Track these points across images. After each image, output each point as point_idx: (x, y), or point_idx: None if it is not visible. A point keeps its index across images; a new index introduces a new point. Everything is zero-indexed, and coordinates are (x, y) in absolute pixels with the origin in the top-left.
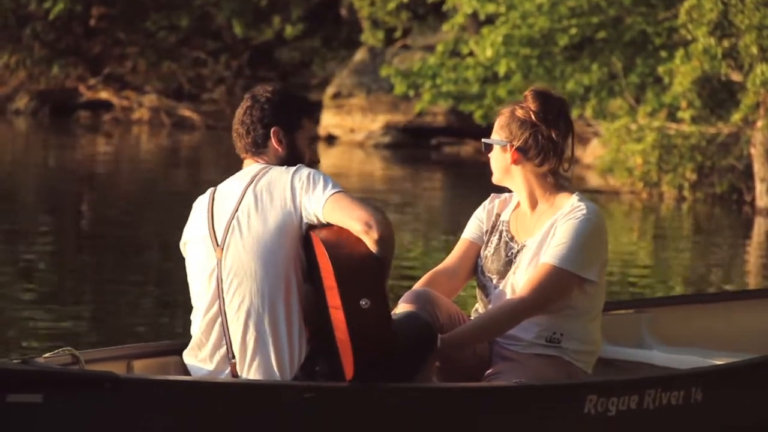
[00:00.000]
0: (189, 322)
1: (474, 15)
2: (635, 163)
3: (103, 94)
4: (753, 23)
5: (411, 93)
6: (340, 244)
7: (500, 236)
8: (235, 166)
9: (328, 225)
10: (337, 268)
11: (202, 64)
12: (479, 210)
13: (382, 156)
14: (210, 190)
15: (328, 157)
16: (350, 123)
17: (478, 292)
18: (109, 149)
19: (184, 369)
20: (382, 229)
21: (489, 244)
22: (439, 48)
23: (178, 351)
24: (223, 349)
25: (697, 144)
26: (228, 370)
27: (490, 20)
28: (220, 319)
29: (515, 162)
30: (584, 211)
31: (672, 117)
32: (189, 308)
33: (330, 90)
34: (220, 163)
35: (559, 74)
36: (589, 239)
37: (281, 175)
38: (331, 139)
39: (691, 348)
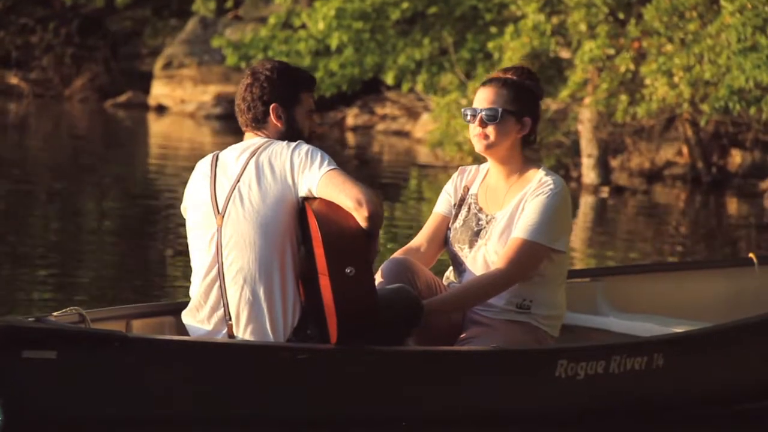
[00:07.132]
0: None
1: None
2: (465, 138)
3: None
4: (581, 1)
5: (243, 64)
6: (331, 215)
7: (469, 208)
8: (62, 132)
9: (322, 198)
10: (325, 237)
11: (31, 31)
12: (448, 184)
13: (212, 127)
14: (211, 156)
15: (158, 128)
16: (181, 94)
17: (450, 260)
18: None
19: (181, 328)
20: (372, 207)
21: (458, 216)
22: (271, 20)
23: (174, 311)
24: (221, 311)
25: None
26: (225, 331)
27: None
28: (218, 283)
29: (523, 134)
30: (551, 186)
31: None
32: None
33: (161, 60)
34: (48, 131)
35: (390, 48)
36: (557, 213)
37: (282, 150)
38: (161, 110)
39: (645, 315)
